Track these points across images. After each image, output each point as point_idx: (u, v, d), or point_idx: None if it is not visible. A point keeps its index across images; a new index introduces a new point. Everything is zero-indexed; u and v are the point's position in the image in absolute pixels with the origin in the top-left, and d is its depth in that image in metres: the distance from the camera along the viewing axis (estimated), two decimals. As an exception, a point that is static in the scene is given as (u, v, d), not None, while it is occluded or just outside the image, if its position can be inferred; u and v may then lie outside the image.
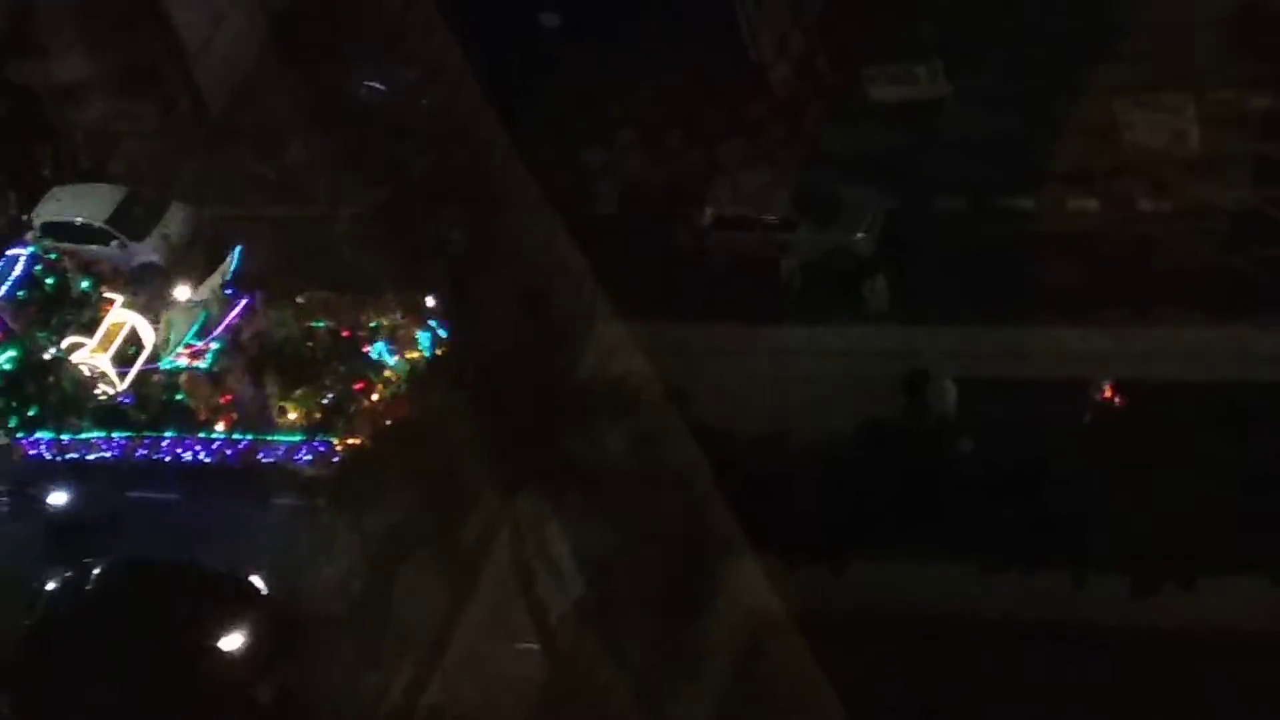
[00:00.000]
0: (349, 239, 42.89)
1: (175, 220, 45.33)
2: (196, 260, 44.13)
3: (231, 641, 36.19)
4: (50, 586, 37.94)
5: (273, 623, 36.48)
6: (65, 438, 40.69)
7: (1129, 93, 41.28)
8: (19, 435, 41.13)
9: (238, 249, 42.21)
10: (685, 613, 35.21)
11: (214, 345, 40.23)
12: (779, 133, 44.53)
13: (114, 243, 44.99)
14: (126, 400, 40.60)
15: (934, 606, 35.32)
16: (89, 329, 40.96)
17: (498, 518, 37.15)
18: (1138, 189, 40.66)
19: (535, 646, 36.02)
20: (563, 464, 36.69)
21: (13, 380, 40.89)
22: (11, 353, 40.95)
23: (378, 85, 46.67)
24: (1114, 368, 37.56)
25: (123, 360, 40.42)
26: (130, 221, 45.44)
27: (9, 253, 43.32)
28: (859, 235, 41.36)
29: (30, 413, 40.88)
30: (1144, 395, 36.98)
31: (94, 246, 44.79)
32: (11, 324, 41.42)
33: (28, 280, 42.03)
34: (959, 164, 42.22)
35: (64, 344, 41.01)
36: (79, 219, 45.35)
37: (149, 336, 40.70)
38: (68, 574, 38.03)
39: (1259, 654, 33.28)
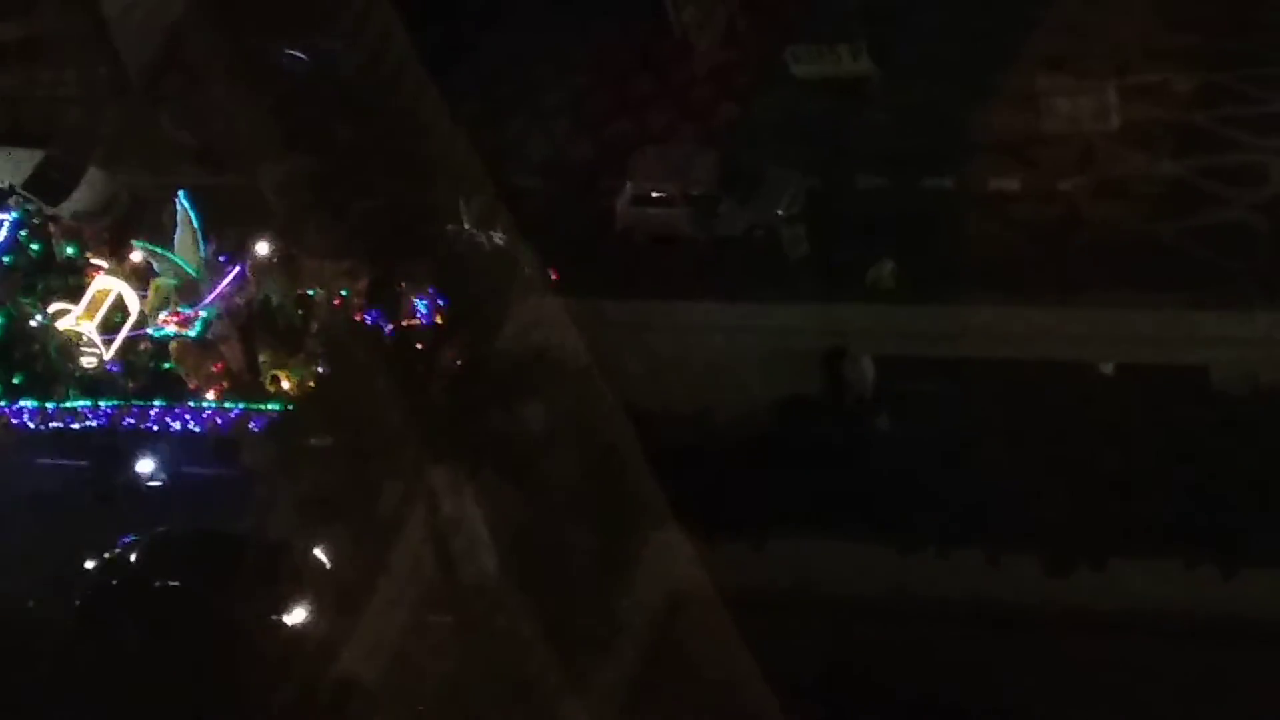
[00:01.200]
0: (271, 207, 42.55)
1: (92, 185, 44.90)
2: (113, 226, 43.84)
3: (294, 616, 36.16)
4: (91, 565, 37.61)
5: (336, 598, 36.21)
6: (50, 406, 40.11)
7: (1052, 66, 41.41)
8: (2, 404, 40.44)
9: (181, 194, 41.25)
10: (603, 587, 35.16)
11: (203, 313, 39.59)
12: (701, 108, 44.56)
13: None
14: (113, 368, 40.03)
15: (850, 583, 35.53)
16: (75, 295, 40.27)
17: (415, 489, 36.94)
18: (1061, 163, 40.76)
19: (450, 619, 35.90)
20: (482, 436, 36.51)
21: (-3, 347, 40.40)
22: (-4, 320, 40.46)
23: (300, 55, 46.30)
24: (1036, 347, 37.71)
25: (109, 328, 39.81)
26: (46, 186, 44.93)
27: (-7, 218, 42.37)
28: (780, 211, 41.41)
29: (15, 380, 40.33)
30: (1064, 375, 37.18)
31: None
32: (-5, 290, 40.70)
33: (12, 246, 41.33)
34: (882, 140, 42.34)
35: (49, 310, 40.36)
36: (-6, 182, 44.76)
37: (135, 303, 40.07)
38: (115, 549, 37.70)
39: (1169, 633, 33.64)
